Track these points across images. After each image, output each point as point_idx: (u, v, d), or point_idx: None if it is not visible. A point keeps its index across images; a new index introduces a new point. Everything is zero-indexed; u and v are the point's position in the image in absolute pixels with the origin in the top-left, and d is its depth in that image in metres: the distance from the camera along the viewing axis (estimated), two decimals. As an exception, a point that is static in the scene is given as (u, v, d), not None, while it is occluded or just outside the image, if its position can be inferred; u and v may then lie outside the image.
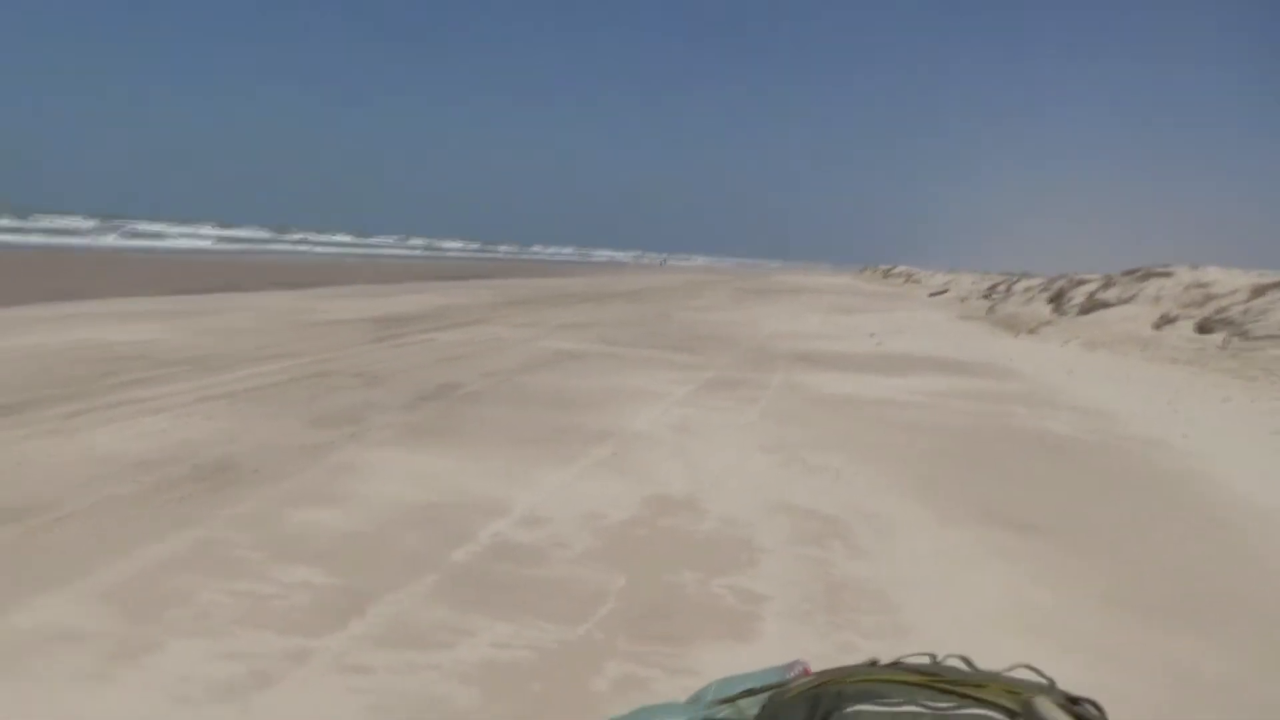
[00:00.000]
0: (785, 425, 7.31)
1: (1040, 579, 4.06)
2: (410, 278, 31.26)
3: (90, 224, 62.45)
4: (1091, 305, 20.17)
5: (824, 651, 3.18)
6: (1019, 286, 31.03)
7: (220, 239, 62.68)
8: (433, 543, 4.03)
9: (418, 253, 73.11)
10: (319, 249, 61.92)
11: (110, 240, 50.19)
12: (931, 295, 41.12)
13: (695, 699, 0.93)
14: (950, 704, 0.75)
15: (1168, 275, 19.51)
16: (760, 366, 11.04)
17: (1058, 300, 23.10)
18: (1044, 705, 0.73)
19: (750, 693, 0.87)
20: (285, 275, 27.58)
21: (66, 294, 15.83)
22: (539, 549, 4.04)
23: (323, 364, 9.06)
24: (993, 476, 6.00)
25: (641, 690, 2.82)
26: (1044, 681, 0.79)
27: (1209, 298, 17.25)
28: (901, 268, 77.81)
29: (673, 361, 11.01)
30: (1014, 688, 0.77)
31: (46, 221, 59.32)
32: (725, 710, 0.89)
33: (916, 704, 0.75)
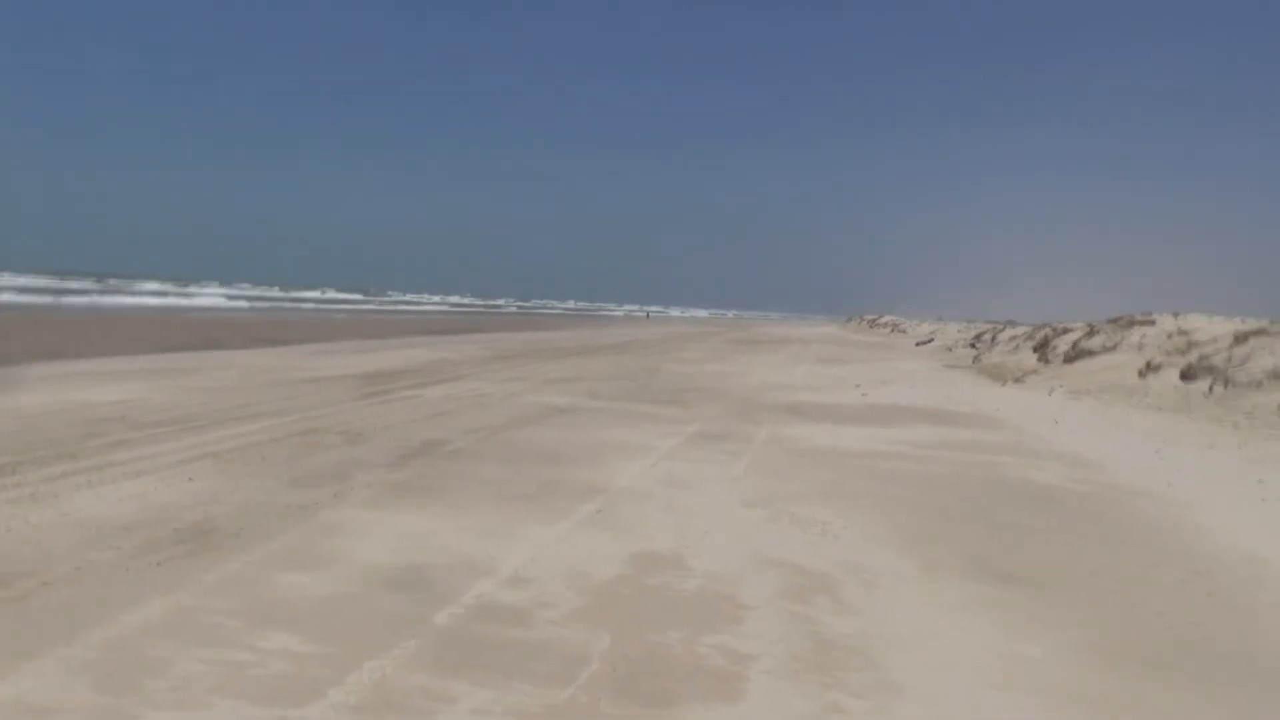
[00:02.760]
0: (772, 479, 7.30)
1: (1027, 631, 4.04)
2: (399, 333, 31.28)
3: (85, 284, 62.69)
4: (1076, 354, 20.31)
5: (811, 712, 3.14)
6: (1004, 335, 31.25)
7: (218, 297, 62.93)
8: (415, 605, 3.99)
9: (409, 309, 73.42)
10: (307, 306, 62.01)
11: (108, 299, 50.31)
12: (918, 345, 41.34)
13: None
14: None
15: (1150, 323, 19.69)
16: (747, 419, 11.04)
17: (1043, 349, 23.25)
18: None
19: None
20: (272, 333, 27.55)
21: (54, 354, 15.77)
22: (523, 610, 4.00)
23: (307, 422, 9.02)
24: (979, 528, 5.99)
25: (625, 755, 2.77)
26: None
27: (1192, 345, 17.40)
28: (888, 318, 78.33)
29: (660, 415, 11.01)
30: None
31: (44, 281, 59.55)
32: None
33: None
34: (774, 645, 3.72)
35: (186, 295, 60.89)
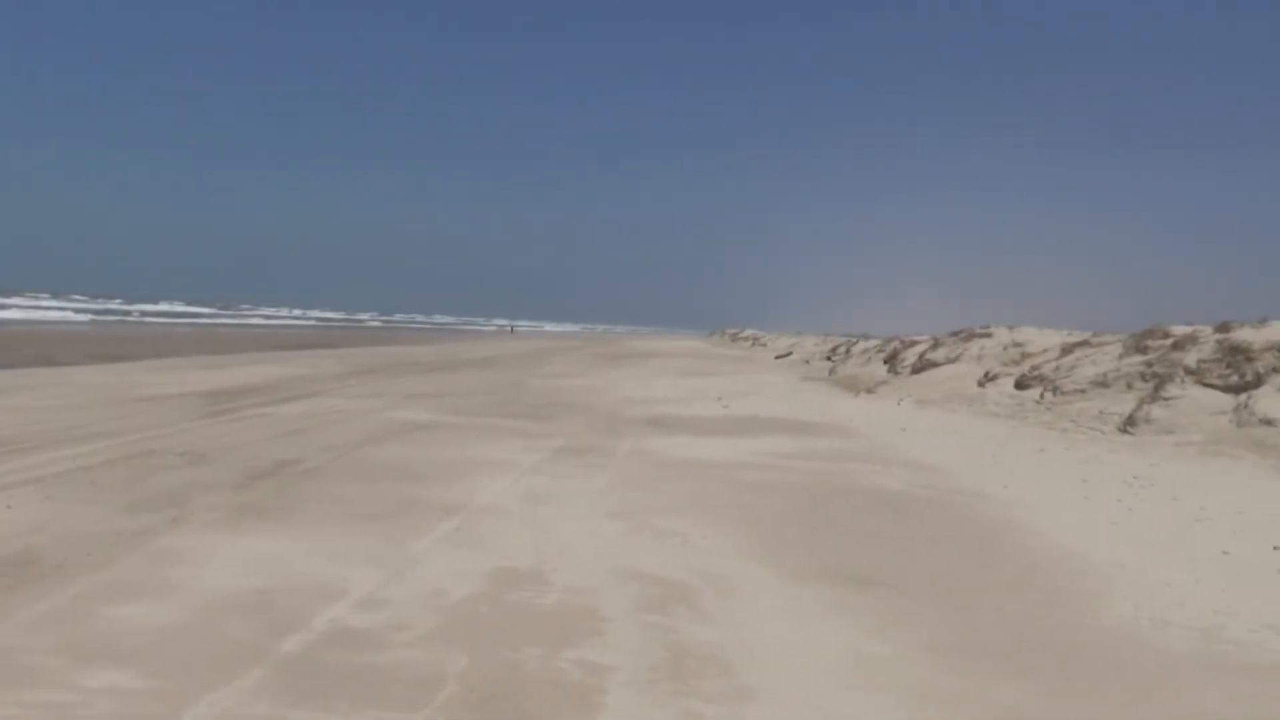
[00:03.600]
0: (634, 491, 7.35)
1: (876, 632, 4.20)
2: (253, 348, 29.88)
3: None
4: (922, 365, 21.39)
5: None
6: (858, 348, 32.59)
7: (50, 309, 58.31)
8: (261, 633, 3.80)
9: (265, 323, 69.85)
10: (153, 320, 58.32)
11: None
12: (777, 358, 42.61)
13: None
14: None
15: (988, 336, 20.96)
16: (610, 433, 11.09)
17: (892, 361, 24.37)
18: None
19: None
20: (111, 347, 25.83)
21: None
22: (377, 633, 3.87)
23: (145, 443, 8.49)
24: (832, 533, 6.21)
25: (479, 777, 2.71)
26: None
27: (1025, 356, 18.63)
28: (750, 331, 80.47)
29: (523, 430, 10.92)
30: None
31: None
32: None
33: None
34: (632, 657, 3.73)
35: (7, 306, 56.21)
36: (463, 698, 3.27)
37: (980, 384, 17.63)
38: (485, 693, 3.32)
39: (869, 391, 19.83)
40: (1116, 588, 5.09)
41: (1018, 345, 19.49)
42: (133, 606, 4.04)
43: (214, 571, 4.62)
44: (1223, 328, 13.88)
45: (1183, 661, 4.02)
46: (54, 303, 68.04)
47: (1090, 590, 5.05)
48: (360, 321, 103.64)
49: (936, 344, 22.52)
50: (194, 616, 3.96)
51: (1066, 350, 17.16)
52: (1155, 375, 13.46)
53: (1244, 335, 13.09)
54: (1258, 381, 12.05)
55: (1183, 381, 12.77)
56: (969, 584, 5.12)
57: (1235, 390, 12.22)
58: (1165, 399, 12.52)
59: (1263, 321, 13.59)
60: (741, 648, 3.90)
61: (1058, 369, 15.85)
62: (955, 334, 22.43)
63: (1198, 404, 12.27)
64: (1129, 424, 12.41)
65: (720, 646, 3.90)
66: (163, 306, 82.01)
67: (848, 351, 33.18)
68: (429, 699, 3.24)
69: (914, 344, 24.65)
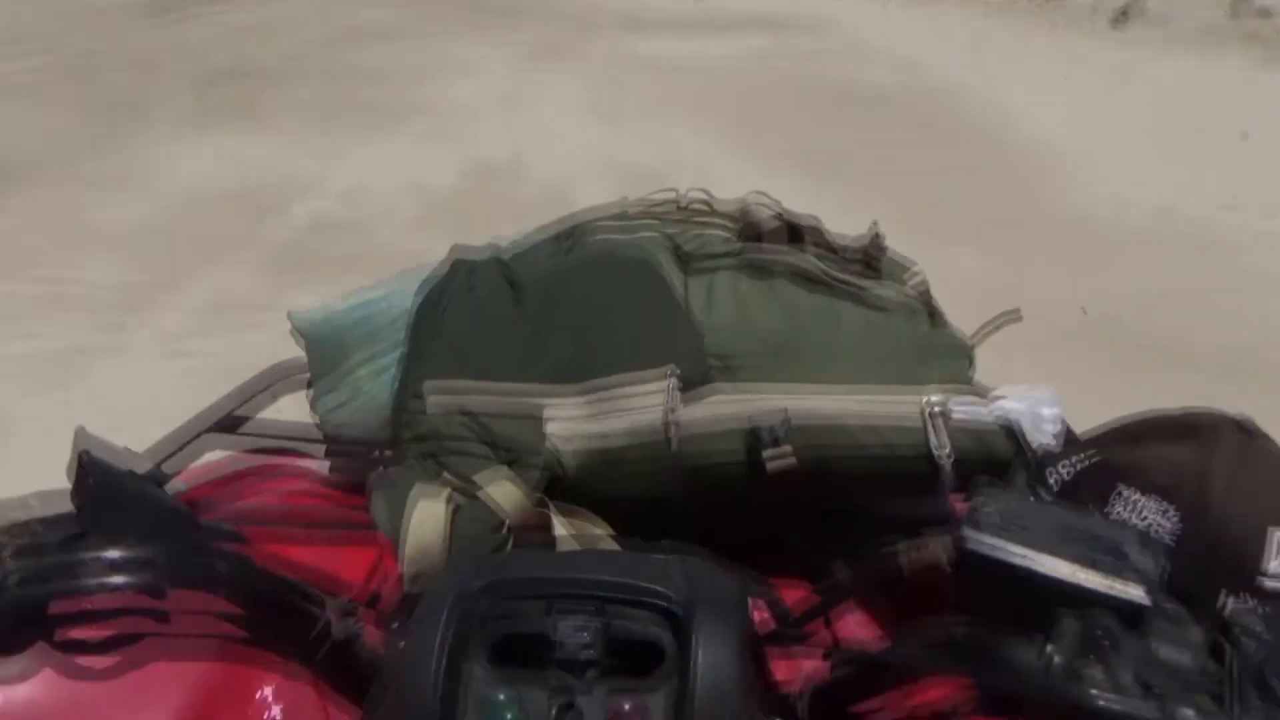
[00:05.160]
0: (612, 89, 7.15)
1: (847, 212, 4.32)
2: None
3: None
4: (915, -41, 19.93)
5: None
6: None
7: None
8: (245, 224, 3.88)
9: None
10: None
11: None
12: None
13: None
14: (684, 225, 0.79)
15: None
16: (585, 33, 10.52)
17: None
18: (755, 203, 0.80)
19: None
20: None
21: None
22: (360, 221, 3.96)
23: (85, 50, 8.01)
24: (809, 127, 6.17)
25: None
26: (772, 204, 0.84)
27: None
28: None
29: (492, 35, 10.33)
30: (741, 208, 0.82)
31: None
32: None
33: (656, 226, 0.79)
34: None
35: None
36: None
37: (974, -21, 16.57)
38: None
39: (856, -10, 18.65)
40: (1083, 174, 5.21)
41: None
42: (116, 205, 4.07)
43: (189, 172, 4.60)
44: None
45: (1135, 237, 4.24)
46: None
47: (1057, 176, 5.17)
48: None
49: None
50: (175, 212, 4.03)
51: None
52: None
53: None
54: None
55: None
56: (941, 170, 5.20)
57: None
58: (1166, -10, 11.88)
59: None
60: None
61: (1058, -41, 14.83)
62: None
63: (1198, -6, 11.67)
64: (1121, 16, 11.90)
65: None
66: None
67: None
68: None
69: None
